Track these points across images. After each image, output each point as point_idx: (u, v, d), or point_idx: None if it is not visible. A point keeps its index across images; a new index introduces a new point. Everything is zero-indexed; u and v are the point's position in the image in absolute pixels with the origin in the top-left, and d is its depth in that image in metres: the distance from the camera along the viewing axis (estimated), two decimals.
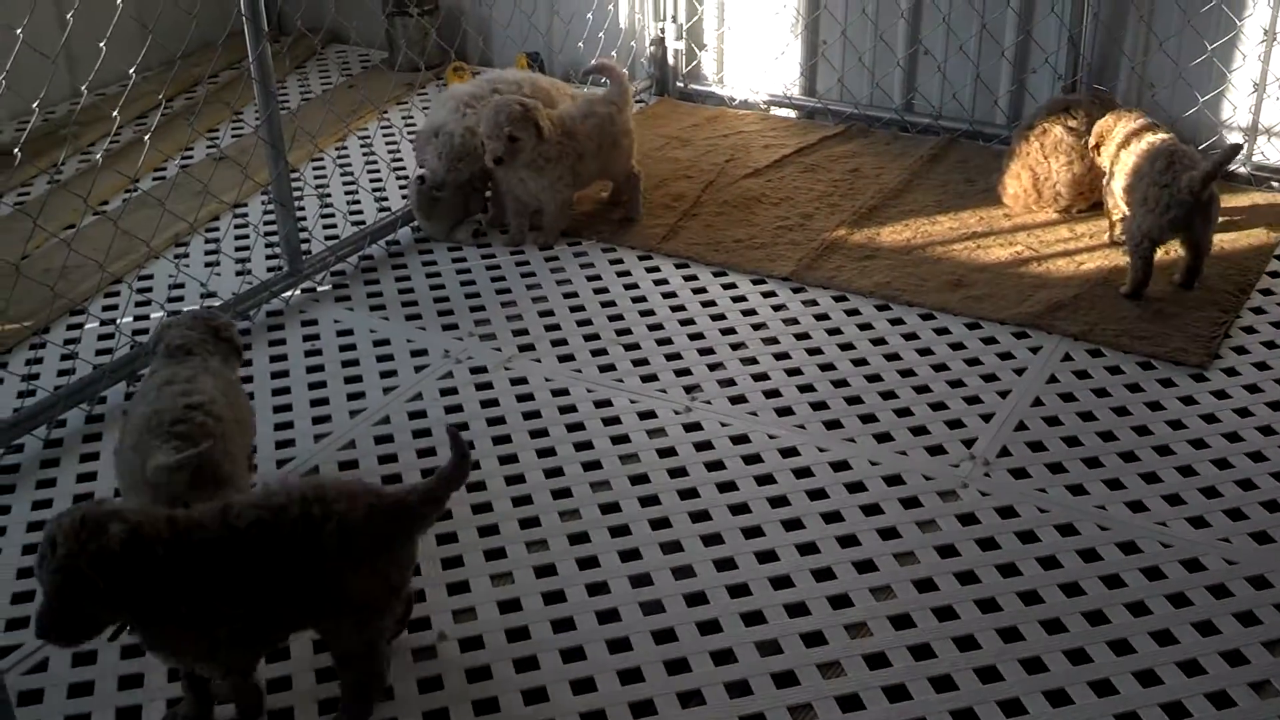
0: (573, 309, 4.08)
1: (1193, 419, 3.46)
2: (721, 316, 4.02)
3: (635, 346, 3.88)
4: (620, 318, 4.02)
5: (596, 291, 4.17)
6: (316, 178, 4.94)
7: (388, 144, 5.19)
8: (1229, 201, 4.44)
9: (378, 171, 4.97)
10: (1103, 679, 2.69)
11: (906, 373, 3.71)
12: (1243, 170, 4.62)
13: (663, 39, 5.50)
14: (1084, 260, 4.17)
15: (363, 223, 4.55)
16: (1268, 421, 3.43)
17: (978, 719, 2.62)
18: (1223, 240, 4.23)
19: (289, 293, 4.13)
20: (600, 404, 3.62)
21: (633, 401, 3.63)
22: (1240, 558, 2.99)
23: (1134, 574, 2.95)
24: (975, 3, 4.87)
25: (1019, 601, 2.90)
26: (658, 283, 4.21)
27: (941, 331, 3.89)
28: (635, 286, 4.19)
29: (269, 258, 4.38)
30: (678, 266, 4.30)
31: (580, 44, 5.42)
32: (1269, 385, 3.57)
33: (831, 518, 3.18)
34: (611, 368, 3.79)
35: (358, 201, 4.78)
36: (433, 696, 2.71)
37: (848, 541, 3.10)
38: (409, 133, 5.22)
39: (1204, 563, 2.98)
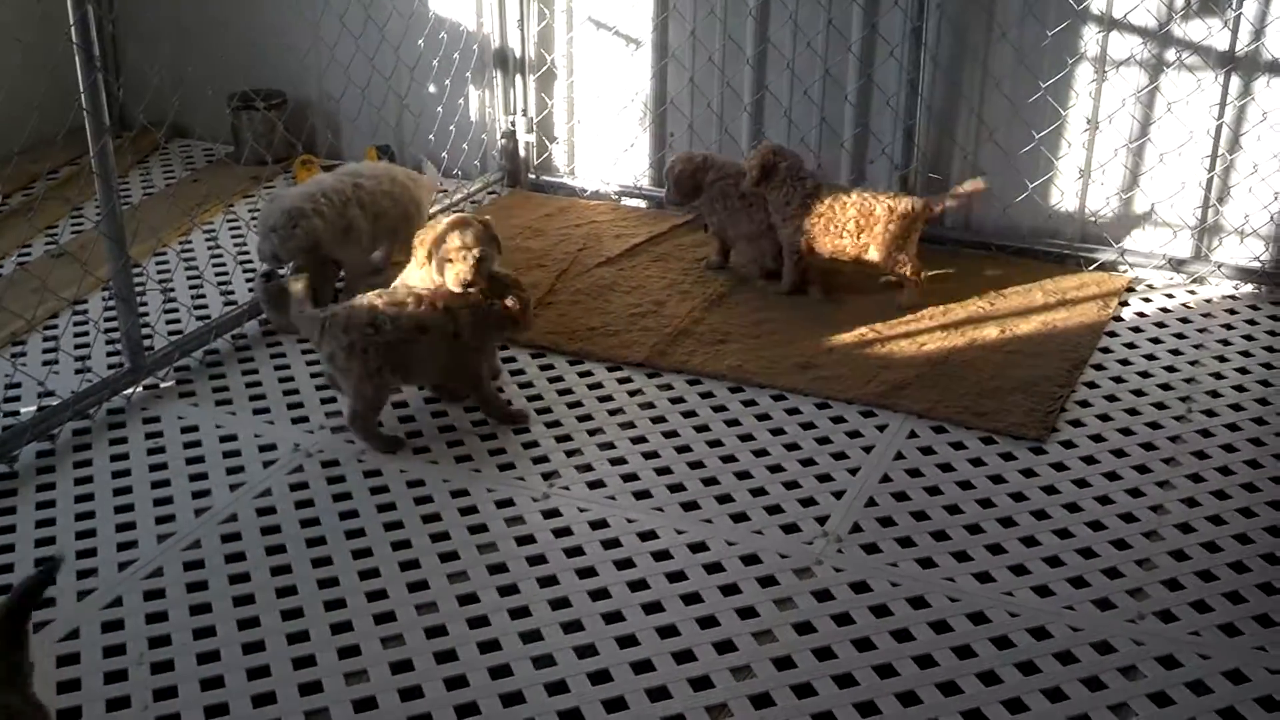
0: (427, 400, 4.04)
1: (1034, 491, 3.57)
2: (578, 403, 4.03)
3: (492, 436, 3.86)
4: (475, 408, 4.00)
5: None
6: (160, 272, 4.84)
7: (233, 237, 5.12)
8: (1062, 282, 4.65)
9: (224, 265, 4.89)
10: None
11: (760, 452, 3.77)
12: (1072, 252, 4.84)
13: (513, 132, 5.56)
14: (925, 341, 4.30)
15: (208, 317, 4.46)
16: (1104, 491, 3.56)
17: None
18: (1055, 318, 4.42)
19: (130, 390, 4.02)
20: (456, 494, 3.59)
21: (490, 490, 3.60)
22: (1084, 624, 3.08)
23: (984, 643, 3.02)
24: (813, 96, 5.05)
25: (874, 675, 2.93)
26: (514, 372, 4.21)
27: (793, 411, 3.97)
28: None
29: (110, 354, 4.26)
30: (533, 355, 4.31)
31: (431, 136, 5.44)
32: (1104, 456, 3.72)
33: (691, 599, 3.19)
34: (469, 458, 3.76)
35: (203, 295, 4.69)
36: None
37: (707, 622, 3.11)
38: (255, 225, 5.15)
39: (1050, 630, 3.06)
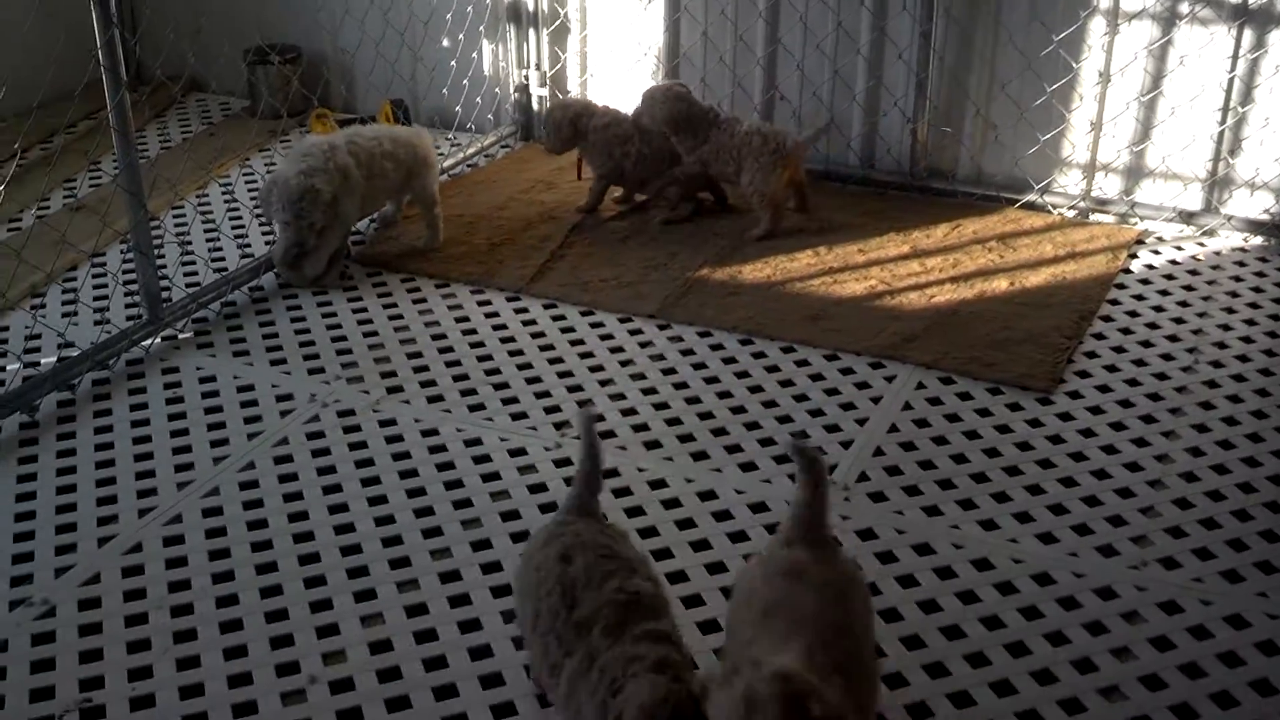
0: (441, 350, 4.10)
1: (1040, 440, 3.61)
2: (590, 354, 4.07)
3: (505, 386, 3.91)
4: (489, 358, 4.05)
5: (465, 333, 4.20)
6: (177, 225, 4.89)
7: (250, 191, 5.16)
8: (1071, 234, 4.67)
9: (240, 218, 4.94)
10: (960, 690, 2.79)
11: (769, 403, 3.81)
12: (1083, 204, 4.86)
13: (527, 85, 5.58)
14: (934, 293, 4.33)
15: (225, 269, 4.52)
16: (1110, 441, 3.60)
17: None
18: (1064, 270, 4.44)
19: (149, 341, 4.08)
20: (470, 443, 3.64)
21: (503, 440, 3.66)
22: (1088, 570, 3.12)
23: (988, 589, 3.07)
24: (826, 49, 5.05)
25: (880, 620, 2.98)
26: (526, 323, 4.25)
27: (802, 364, 4.00)
28: (504, 327, 4.23)
29: (128, 306, 4.32)
30: (545, 307, 4.35)
31: (445, 91, 5.46)
32: (1111, 406, 3.75)
33: (700, 546, 3.24)
34: (481, 407, 3.81)
35: (220, 248, 4.74)
36: None
37: (716, 568, 3.16)
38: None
39: (1054, 576, 3.11)
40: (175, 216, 4.98)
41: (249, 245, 4.74)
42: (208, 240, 4.80)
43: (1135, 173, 4.84)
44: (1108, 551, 3.19)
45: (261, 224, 4.86)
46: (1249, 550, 3.17)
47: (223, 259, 4.66)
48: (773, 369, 3.99)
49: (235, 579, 3.14)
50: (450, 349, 4.10)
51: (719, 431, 3.69)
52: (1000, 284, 4.38)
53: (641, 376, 3.96)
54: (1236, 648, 2.88)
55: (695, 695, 2.25)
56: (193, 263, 4.60)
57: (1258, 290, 4.36)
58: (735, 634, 2.42)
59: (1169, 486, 3.41)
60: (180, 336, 4.17)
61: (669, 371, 3.98)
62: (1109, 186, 4.88)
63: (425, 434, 3.69)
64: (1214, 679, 2.80)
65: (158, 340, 4.10)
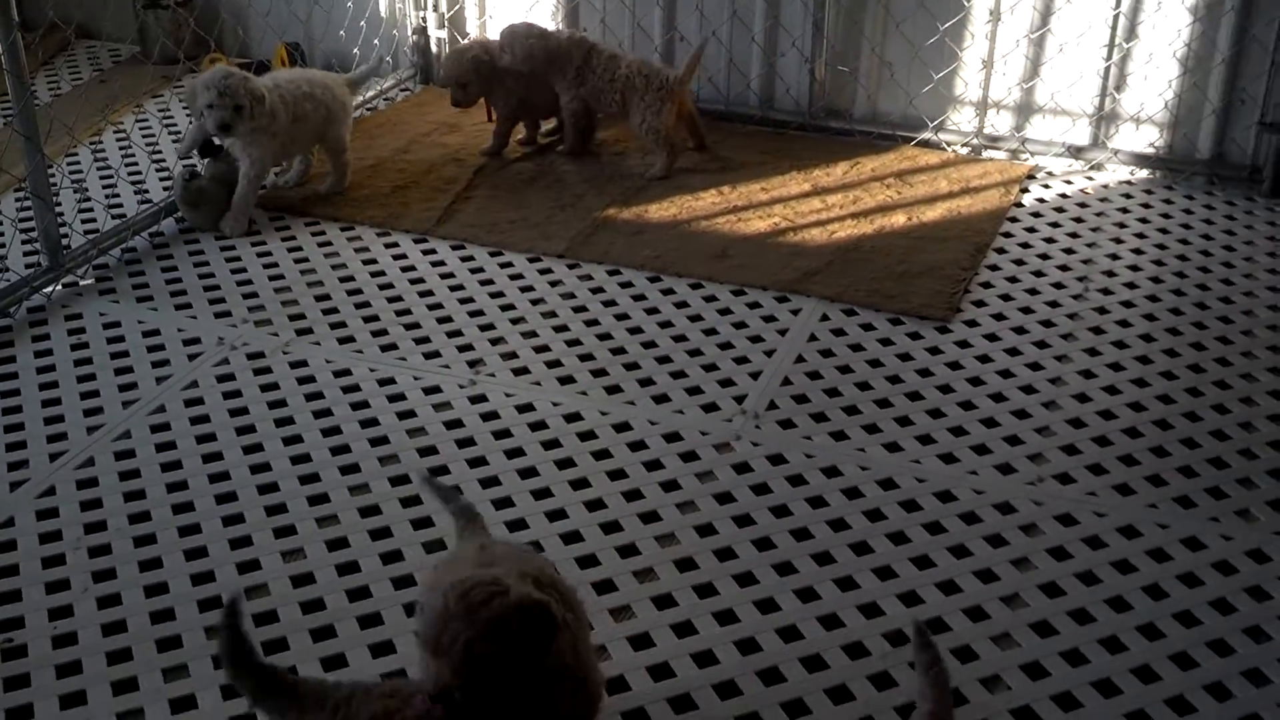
0: (350, 293, 4.09)
1: (939, 367, 3.74)
2: (500, 294, 4.10)
3: (416, 326, 3.93)
4: (399, 299, 4.06)
5: (373, 275, 4.19)
6: (72, 172, 4.79)
7: (145, 137, 5.06)
8: (965, 170, 4.80)
9: (136, 164, 4.85)
10: (869, 603, 2.90)
11: (679, 338, 3.88)
12: (976, 141, 4.99)
13: (425, 28, 5.54)
14: (835, 229, 4.43)
15: (124, 216, 4.44)
16: (1006, 366, 3.74)
17: (759, 646, 2.79)
18: (960, 205, 4.57)
19: (50, 288, 4.01)
20: (384, 382, 3.66)
21: (416, 378, 3.68)
22: (987, 487, 3.26)
23: (893, 507, 3.19)
24: None
25: (791, 539, 3.09)
26: (434, 264, 4.26)
27: (710, 299, 4.08)
28: (412, 269, 4.23)
29: (27, 254, 4.23)
30: (453, 248, 4.36)
31: (341, 33, 5.40)
32: (1006, 334, 3.89)
33: (616, 475, 3.31)
34: (393, 347, 3.83)
35: (117, 195, 4.66)
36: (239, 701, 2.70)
37: (632, 495, 3.24)
38: (167, 125, 5.13)
39: (955, 494, 3.24)
40: (70, 163, 4.87)
41: (147, 191, 4.66)
42: (105, 187, 4.72)
43: (1025, 109, 4.98)
44: (1006, 470, 3.33)
45: (160, 169, 4.78)
46: (1139, 465, 3.33)
47: (121, 205, 4.58)
48: (681, 305, 4.05)
49: (152, 519, 3.13)
50: (359, 291, 4.10)
51: (631, 366, 3.75)
52: (898, 219, 4.49)
53: (553, 314, 4.00)
54: (1129, 556, 3.03)
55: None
56: (91, 209, 4.52)
57: (1144, 221, 4.53)
58: None
59: (1063, 407, 3.56)
60: (82, 283, 4.10)
61: (580, 309, 4.03)
62: (1000, 123, 5.01)
63: (338, 374, 3.69)
64: (1109, 585, 2.95)
65: (59, 287, 4.04)
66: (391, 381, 3.66)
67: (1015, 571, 3.00)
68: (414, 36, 5.56)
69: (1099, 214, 4.58)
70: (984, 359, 3.77)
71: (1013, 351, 3.81)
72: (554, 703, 2.19)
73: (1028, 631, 2.82)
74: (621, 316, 3.99)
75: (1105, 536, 3.09)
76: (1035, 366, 3.73)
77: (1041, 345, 3.83)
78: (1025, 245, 4.38)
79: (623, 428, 3.49)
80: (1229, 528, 3.11)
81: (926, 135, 5.02)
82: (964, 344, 3.84)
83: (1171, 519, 3.14)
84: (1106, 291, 4.10)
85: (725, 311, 4.01)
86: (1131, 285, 4.14)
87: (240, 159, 4.38)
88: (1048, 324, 3.93)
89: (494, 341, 3.85)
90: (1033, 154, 4.95)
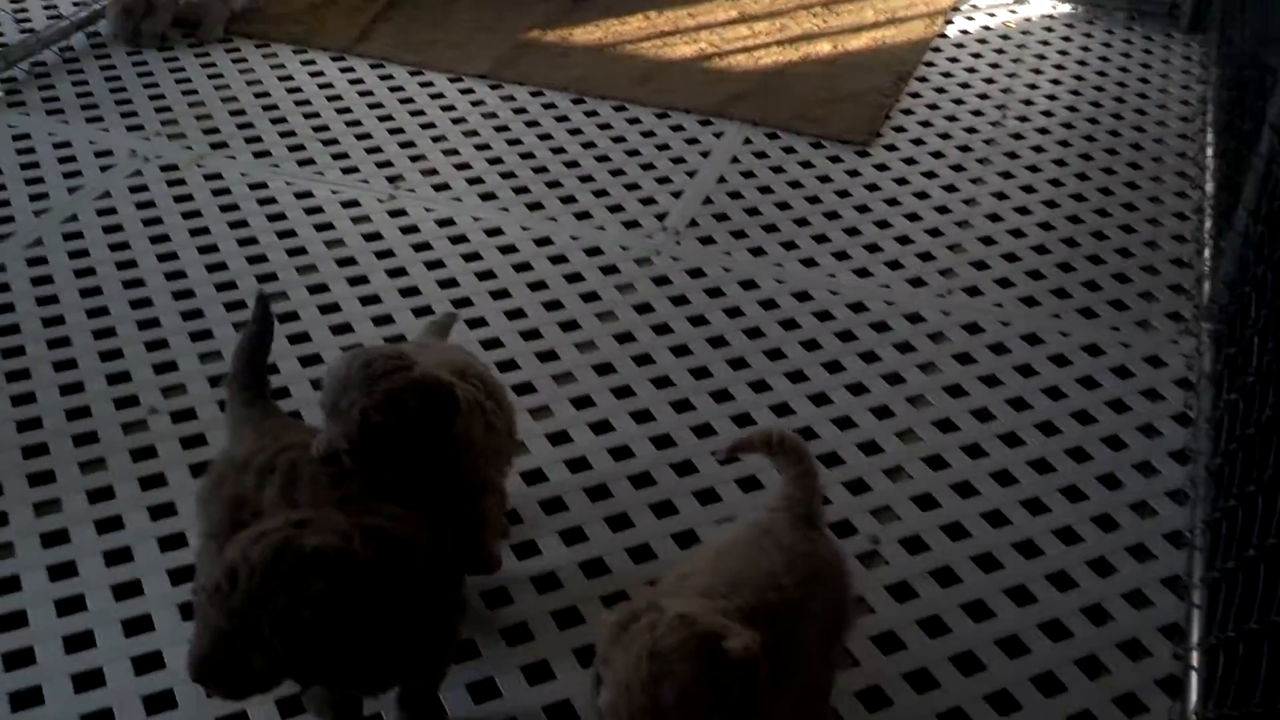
0: (266, 108, 4.02)
1: (857, 189, 3.78)
2: (420, 112, 4.06)
3: (334, 142, 3.88)
4: (316, 115, 4.00)
5: (290, 91, 4.12)
6: None
7: None
8: (892, 2, 4.79)
9: None
10: (781, 403, 2.98)
11: (602, 158, 3.87)
12: None
13: None
14: (760, 55, 4.41)
15: (33, 31, 4.30)
16: (922, 188, 3.79)
17: (674, 442, 2.86)
18: (884, 35, 4.57)
19: None
20: (301, 195, 3.63)
21: (335, 192, 3.65)
22: (898, 299, 3.33)
23: (807, 318, 3.25)
24: None
25: (708, 346, 3.15)
26: (353, 83, 4.19)
27: (633, 121, 4.07)
28: (330, 86, 4.16)
29: None
30: (373, 67, 4.28)
31: None
32: (924, 158, 3.93)
33: (537, 286, 3.33)
34: (311, 162, 3.78)
35: (25, 9, 4.51)
36: (158, 492, 2.74)
37: (553, 305, 3.27)
38: None
39: (867, 305, 3.30)
40: None
41: (55, 6, 4.52)
42: (12, 1, 4.56)
43: None
44: (917, 283, 3.40)
45: None
46: (1045, 279, 3.42)
47: (29, 20, 4.44)
48: (605, 126, 4.04)
49: (66, 322, 3.12)
50: (275, 107, 4.03)
51: (553, 184, 3.75)
52: (823, 47, 4.48)
53: (474, 134, 3.97)
54: (1032, 361, 3.13)
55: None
56: None
57: (1063, 54, 4.56)
58: (676, 567, 2.09)
59: (975, 226, 3.62)
60: None
61: (501, 129, 4.00)
62: None
63: (253, 187, 3.65)
64: (1010, 388, 3.05)
65: None
66: (309, 195, 3.63)
67: (921, 375, 3.08)
68: None
69: (1020, 45, 4.60)
70: (901, 181, 3.82)
71: (929, 174, 3.85)
72: (448, 484, 2.21)
73: (931, 429, 2.92)
74: (544, 137, 3.97)
75: (1009, 343, 3.18)
76: (950, 189, 3.78)
77: (958, 169, 3.88)
78: (947, 75, 4.39)
79: (544, 242, 3.50)
80: (1129, 336, 3.22)
81: None
82: (882, 167, 3.88)
83: (1074, 328, 3.24)
84: (1023, 119, 4.15)
85: (649, 134, 4.01)
86: (1048, 114, 4.18)
87: None
88: (965, 149, 3.98)
89: (414, 159, 3.82)
90: None
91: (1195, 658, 2.35)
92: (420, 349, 2.38)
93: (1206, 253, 3.40)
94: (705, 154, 3.92)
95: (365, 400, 2.05)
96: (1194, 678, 2.33)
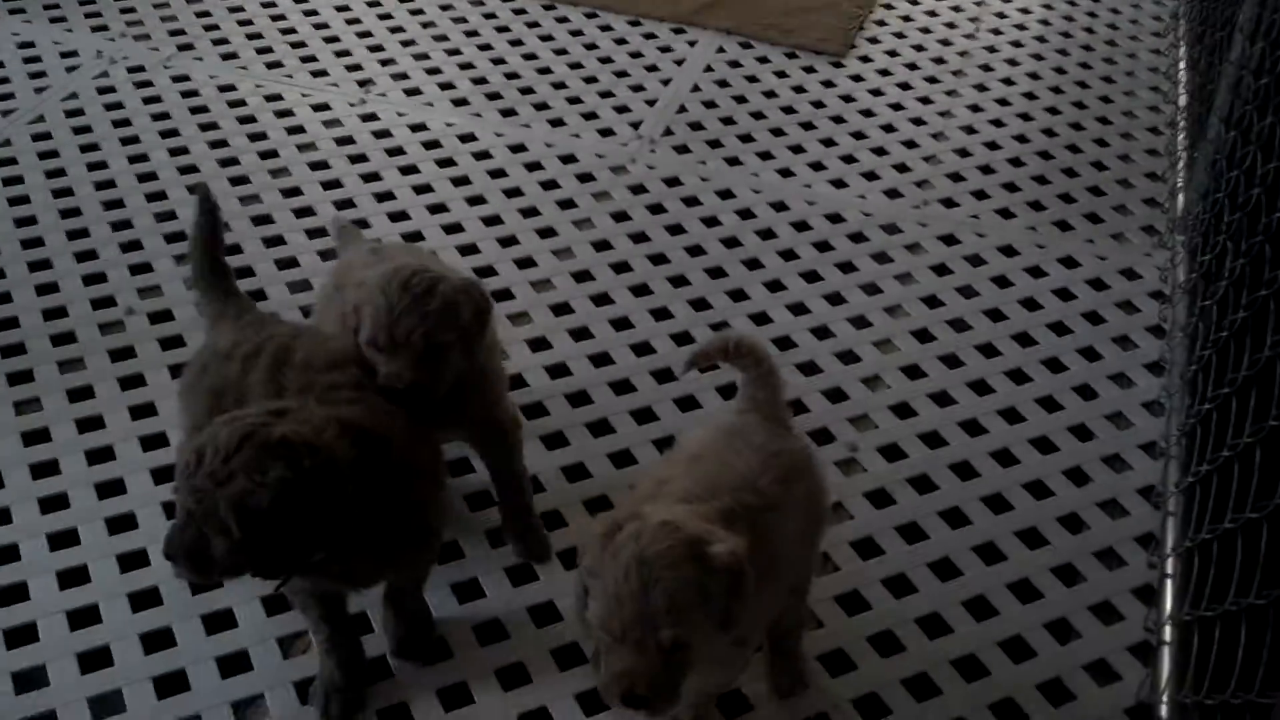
0: (232, 10, 3.94)
1: (833, 99, 3.77)
2: (389, 16, 3.99)
3: (302, 45, 3.82)
4: (284, 17, 3.93)
5: None
6: None
7: None
8: None
9: None
10: (759, 312, 3.00)
11: (575, 65, 3.84)
12: None
13: None
14: None
15: None
16: (897, 100, 3.79)
17: (653, 349, 2.88)
18: None
19: None
20: (271, 98, 3.57)
21: (305, 95, 3.60)
22: (874, 210, 3.34)
23: (784, 227, 3.26)
24: None
25: (685, 255, 3.15)
26: None
27: (605, 29, 4.02)
28: None
29: None
30: None
31: None
32: (898, 69, 3.92)
33: (512, 193, 3.31)
34: (279, 65, 3.72)
35: None
36: (138, 392, 2.72)
37: (529, 212, 3.25)
38: None
39: (844, 216, 3.32)
40: None
41: None
42: None
43: None
44: (893, 194, 3.41)
45: None
46: (1021, 192, 3.44)
47: None
48: (577, 33, 3.99)
49: (39, 223, 3.08)
50: (240, 9, 3.95)
51: (526, 90, 3.71)
52: None
53: (444, 38, 3.91)
54: (1007, 273, 3.16)
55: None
56: None
57: None
58: (651, 472, 2.06)
59: (950, 138, 3.63)
60: None
61: (472, 34, 3.95)
62: None
63: (222, 89, 3.59)
64: (986, 299, 3.08)
65: None
66: (279, 98, 3.58)
67: (899, 286, 3.11)
68: None
69: None
70: (876, 92, 3.81)
71: (904, 86, 3.85)
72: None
73: (909, 338, 2.95)
74: (515, 43, 3.92)
75: (985, 255, 3.21)
76: (925, 100, 3.78)
77: (932, 81, 3.88)
78: None
79: (518, 149, 3.47)
80: (1103, 249, 3.26)
81: None
82: (857, 78, 3.87)
83: (1049, 240, 3.27)
84: (997, 32, 4.14)
85: (621, 41, 3.97)
86: (1021, 27, 4.18)
87: None
88: (939, 61, 3.97)
89: (384, 63, 3.77)
90: None
91: (1170, 564, 2.41)
92: (385, 254, 2.36)
93: (1180, 166, 3.44)
94: (679, 63, 3.89)
95: (425, 324, 2.06)
96: (1169, 585, 2.38)
